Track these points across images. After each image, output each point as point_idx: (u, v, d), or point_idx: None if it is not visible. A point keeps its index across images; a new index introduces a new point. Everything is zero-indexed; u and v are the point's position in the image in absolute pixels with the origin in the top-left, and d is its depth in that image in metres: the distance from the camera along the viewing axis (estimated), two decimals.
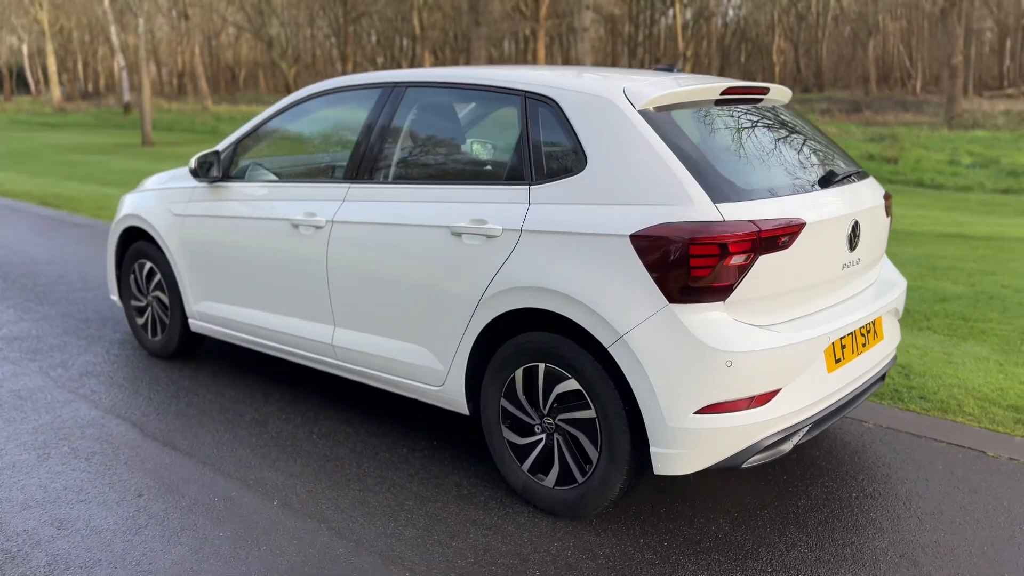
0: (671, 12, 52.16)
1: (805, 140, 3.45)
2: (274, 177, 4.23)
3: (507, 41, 52.98)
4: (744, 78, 50.07)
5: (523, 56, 49.74)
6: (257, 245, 4.05)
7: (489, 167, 3.49)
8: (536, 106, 3.21)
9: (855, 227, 3.19)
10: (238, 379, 4.60)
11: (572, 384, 2.99)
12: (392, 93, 3.70)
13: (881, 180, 13.16)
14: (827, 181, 3.20)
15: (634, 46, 49.38)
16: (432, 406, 4.16)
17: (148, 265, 4.81)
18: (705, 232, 2.71)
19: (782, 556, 2.89)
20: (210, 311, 4.43)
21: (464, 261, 3.22)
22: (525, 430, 3.19)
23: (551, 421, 3.10)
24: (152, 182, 5.00)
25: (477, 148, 3.64)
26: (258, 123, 4.24)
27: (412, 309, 3.44)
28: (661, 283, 2.75)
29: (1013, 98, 39.45)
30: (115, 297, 5.19)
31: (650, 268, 2.76)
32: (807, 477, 3.46)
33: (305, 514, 3.18)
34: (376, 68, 57.42)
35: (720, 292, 2.75)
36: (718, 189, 2.82)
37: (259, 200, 4.09)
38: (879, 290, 3.51)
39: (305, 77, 61.92)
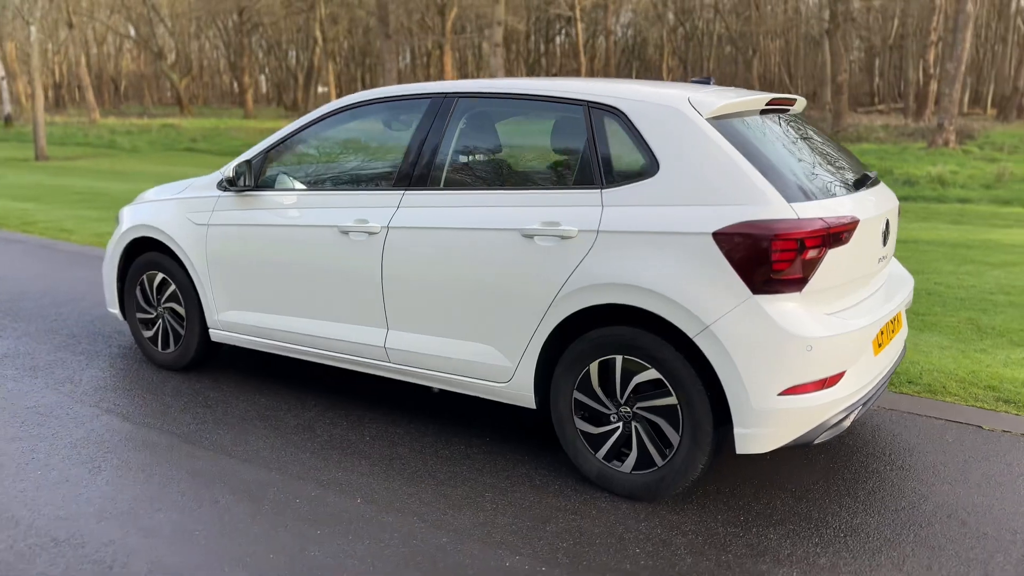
0: (563, 31, 53.52)
1: (830, 146, 3.79)
2: (305, 186, 4.28)
3: (403, 56, 52.95)
4: None
5: (428, 71, 49.87)
6: (298, 253, 4.09)
7: (554, 173, 3.67)
8: (601, 115, 3.42)
9: (887, 225, 3.54)
10: (264, 387, 4.60)
11: (652, 374, 3.21)
12: (443, 103, 3.84)
13: None
14: (861, 183, 3.54)
15: (532, 62, 50.25)
16: (470, 404, 4.30)
17: (160, 276, 4.75)
18: (785, 229, 2.98)
19: (848, 522, 3.19)
20: (238, 320, 4.42)
21: (537, 262, 3.40)
22: (599, 420, 3.38)
23: (628, 410, 3.30)
24: (155, 194, 4.95)
25: (541, 155, 3.82)
26: (289, 133, 4.28)
27: (479, 309, 3.58)
28: (745, 276, 3.01)
29: (884, 114, 42.33)
30: (115, 311, 5.08)
31: (734, 262, 3.01)
32: (842, 454, 3.78)
33: (393, 509, 3.27)
34: (272, 80, 56.23)
35: (797, 283, 3.03)
36: (785, 190, 3.10)
37: (299, 208, 4.13)
38: (893, 284, 3.88)
39: (194, 89, 60.01)
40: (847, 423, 3.23)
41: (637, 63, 60.14)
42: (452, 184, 3.77)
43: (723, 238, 3.03)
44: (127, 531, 3.12)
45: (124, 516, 3.23)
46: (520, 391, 3.57)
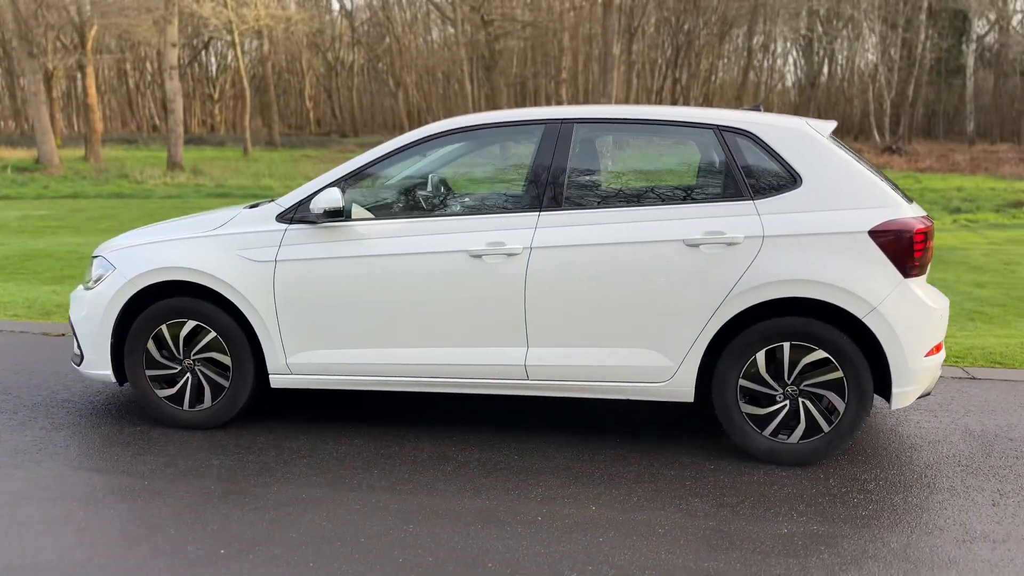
0: (196, 58, 51.09)
1: None
2: (397, 214, 4.16)
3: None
4: (281, 120, 51.25)
5: (72, 91, 44.21)
6: (415, 281, 3.99)
7: (696, 188, 4.07)
8: (733, 138, 3.94)
9: None
10: (338, 428, 4.32)
11: (819, 354, 3.79)
12: (561, 129, 4.04)
13: None
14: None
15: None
16: (556, 410, 4.50)
17: (191, 324, 4.21)
18: (919, 225, 3.77)
19: (973, 449, 4.06)
20: (323, 360, 4.13)
21: (704, 267, 3.80)
22: (765, 401, 3.88)
23: (794, 388, 3.84)
24: (151, 235, 4.39)
25: (674, 174, 4.18)
26: (374, 160, 4.14)
27: (640, 316, 3.87)
28: (897, 264, 3.73)
29: None
30: (104, 372, 4.35)
31: (888, 253, 3.72)
32: (915, 414, 4.64)
33: (630, 509, 3.46)
34: None
35: (922, 268, 3.83)
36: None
37: (407, 236, 4.03)
38: None
39: None
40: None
41: (281, 89, 59.22)
42: (591, 203, 4.00)
43: (877, 235, 3.73)
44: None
45: (412, 565, 3.02)
46: (680, 387, 3.93)
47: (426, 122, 49.03)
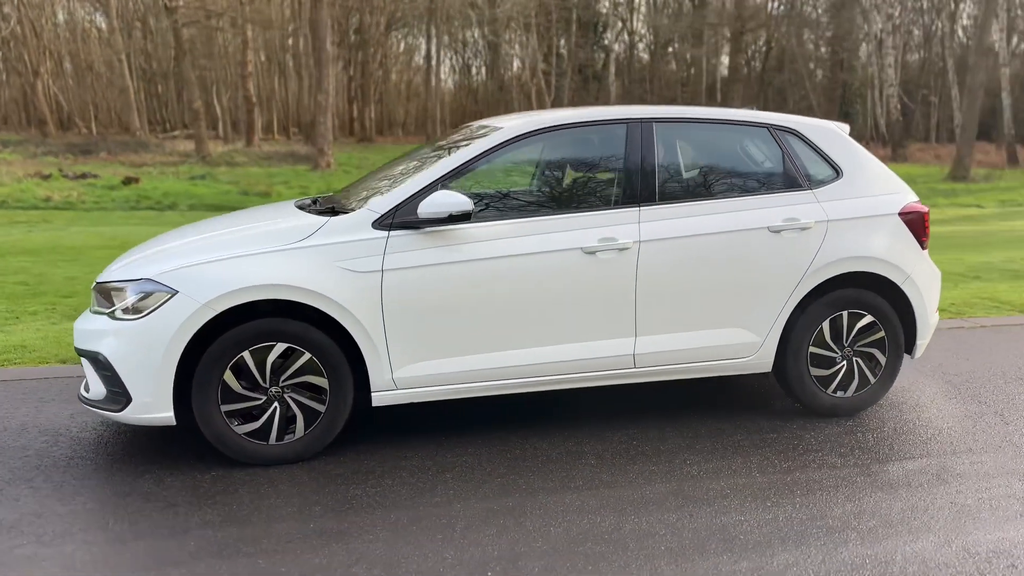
0: None
1: None
2: (497, 213, 4.11)
3: None
4: None
5: None
6: (533, 281, 3.98)
7: (762, 180, 4.48)
8: (784, 135, 4.48)
9: None
10: (430, 440, 4.14)
11: (868, 319, 4.47)
12: (642, 128, 4.28)
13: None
14: None
15: None
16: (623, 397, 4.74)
17: (281, 347, 3.77)
18: (924, 208, 4.62)
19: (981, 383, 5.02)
20: (430, 371, 3.94)
21: (785, 250, 4.30)
22: (828, 364, 4.48)
23: (850, 350, 4.49)
24: (197, 252, 3.89)
25: (739, 167, 4.54)
26: (466, 162, 4.04)
27: (734, 299, 4.26)
28: (917, 239, 4.54)
29: (182, 138, 43.62)
30: (167, 415, 3.72)
31: (912, 231, 4.51)
32: (945, 359, 5.51)
33: (780, 472, 3.86)
34: None
35: (926, 242, 4.68)
36: None
37: (521, 236, 3.99)
38: None
39: None
40: None
41: None
42: (679, 197, 4.28)
43: (904, 216, 4.51)
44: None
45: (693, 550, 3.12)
46: (764, 359, 4.39)
47: (71, 118, 43.42)
